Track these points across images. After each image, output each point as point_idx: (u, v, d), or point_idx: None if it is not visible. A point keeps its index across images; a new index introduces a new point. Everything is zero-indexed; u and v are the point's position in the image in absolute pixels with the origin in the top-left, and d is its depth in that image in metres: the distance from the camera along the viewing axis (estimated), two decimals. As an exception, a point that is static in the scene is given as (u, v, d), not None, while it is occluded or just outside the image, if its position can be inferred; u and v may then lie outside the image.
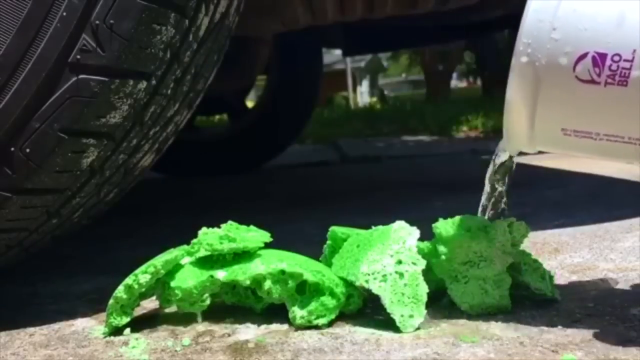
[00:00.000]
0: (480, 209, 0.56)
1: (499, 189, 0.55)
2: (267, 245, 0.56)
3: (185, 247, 0.56)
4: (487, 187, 0.55)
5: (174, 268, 0.55)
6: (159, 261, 0.53)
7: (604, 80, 0.37)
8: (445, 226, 0.53)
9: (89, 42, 0.49)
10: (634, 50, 0.36)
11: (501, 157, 0.53)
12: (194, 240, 0.55)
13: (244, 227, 0.56)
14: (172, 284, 0.54)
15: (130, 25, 0.49)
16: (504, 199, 0.55)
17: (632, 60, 0.36)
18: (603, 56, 0.37)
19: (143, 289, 0.53)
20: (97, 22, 0.49)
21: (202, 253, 0.55)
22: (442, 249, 0.53)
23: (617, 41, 0.37)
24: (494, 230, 0.53)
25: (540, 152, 0.50)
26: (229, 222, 0.56)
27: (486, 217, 0.55)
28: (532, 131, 0.43)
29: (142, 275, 0.53)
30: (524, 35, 0.39)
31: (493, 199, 0.55)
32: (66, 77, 0.49)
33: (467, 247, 0.53)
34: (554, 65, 0.38)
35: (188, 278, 0.54)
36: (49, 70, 0.49)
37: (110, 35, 0.49)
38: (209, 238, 0.54)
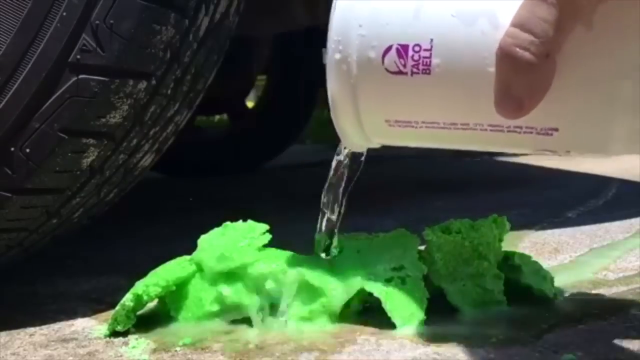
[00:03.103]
0: (320, 216, 0.53)
1: (339, 194, 0.52)
2: (268, 245, 0.56)
3: (193, 259, 0.56)
4: (326, 191, 0.53)
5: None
6: (172, 277, 0.53)
7: (409, 70, 0.39)
8: (436, 232, 0.54)
9: (89, 42, 0.49)
10: (432, 40, 0.38)
11: (340, 157, 0.52)
12: (194, 255, 0.55)
13: (240, 223, 0.56)
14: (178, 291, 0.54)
15: (130, 25, 0.49)
16: (340, 204, 0.53)
17: (430, 49, 0.38)
18: (405, 47, 0.38)
19: (151, 300, 0.54)
20: (97, 22, 0.49)
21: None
22: (437, 255, 0.53)
23: (415, 32, 0.38)
24: (482, 227, 0.54)
25: (386, 147, 0.48)
26: (225, 223, 0.56)
27: (324, 225, 0.53)
28: (361, 125, 0.44)
29: (153, 288, 0.53)
30: (333, 32, 0.41)
31: (333, 205, 0.53)
32: (66, 77, 0.49)
33: (461, 249, 0.53)
34: (365, 59, 0.40)
35: (193, 286, 0.54)
36: (49, 70, 0.49)
37: (110, 35, 0.49)
38: (206, 258, 0.54)
